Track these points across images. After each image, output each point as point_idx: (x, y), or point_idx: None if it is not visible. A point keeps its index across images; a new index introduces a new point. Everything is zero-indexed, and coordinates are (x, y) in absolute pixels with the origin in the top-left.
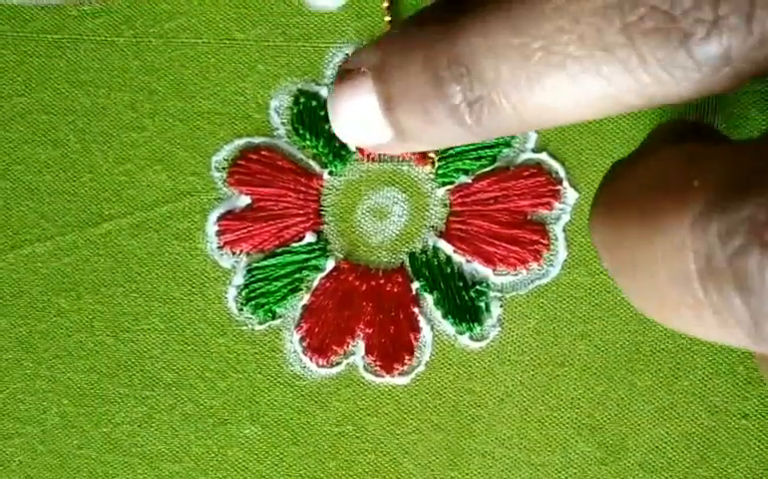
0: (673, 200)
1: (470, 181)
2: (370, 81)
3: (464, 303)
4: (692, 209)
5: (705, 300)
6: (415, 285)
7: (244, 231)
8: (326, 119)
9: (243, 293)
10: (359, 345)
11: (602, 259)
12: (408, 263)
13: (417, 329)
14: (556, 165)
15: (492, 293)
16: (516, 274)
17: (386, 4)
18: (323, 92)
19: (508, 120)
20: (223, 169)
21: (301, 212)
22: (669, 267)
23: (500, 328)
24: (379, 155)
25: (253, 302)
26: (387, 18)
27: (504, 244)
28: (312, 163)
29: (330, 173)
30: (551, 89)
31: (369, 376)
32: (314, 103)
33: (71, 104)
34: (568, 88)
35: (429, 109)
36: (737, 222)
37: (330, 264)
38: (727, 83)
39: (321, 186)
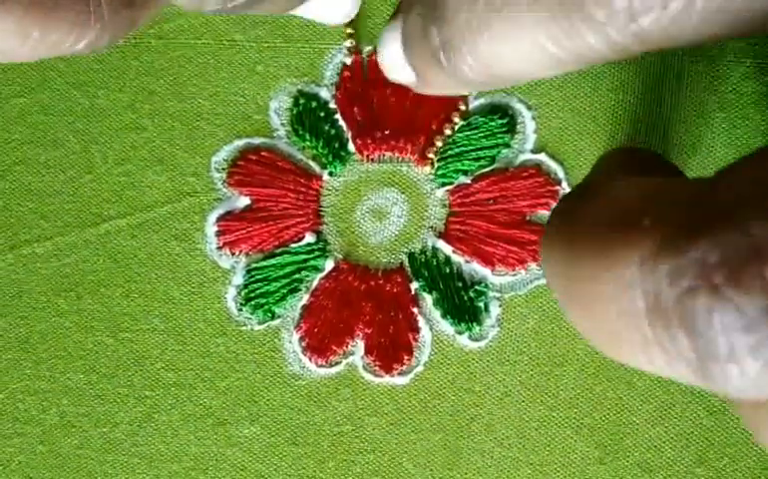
0: (624, 237)
1: (469, 181)
2: (398, 25)
3: (463, 303)
4: (642, 248)
5: (653, 339)
6: (414, 286)
7: (244, 231)
8: (326, 120)
9: (243, 294)
10: (358, 345)
11: (554, 292)
12: (407, 264)
13: (416, 329)
14: (554, 165)
15: (491, 294)
16: (515, 275)
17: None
18: (323, 93)
19: (469, 67)
20: (223, 169)
21: (301, 212)
22: (619, 305)
23: (499, 328)
24: (379, 155)
25: (253, 303)
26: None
27: (503, 245)
28: (312, 163)
29: (330, 173)
30: (496, 36)
31: (368, 376)
32: (314, 104)
33: (70, 105)
34: (510, 36)
35: (421, 49)
36: (686, 263)
37: (329, 265)
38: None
39: (321, 186)
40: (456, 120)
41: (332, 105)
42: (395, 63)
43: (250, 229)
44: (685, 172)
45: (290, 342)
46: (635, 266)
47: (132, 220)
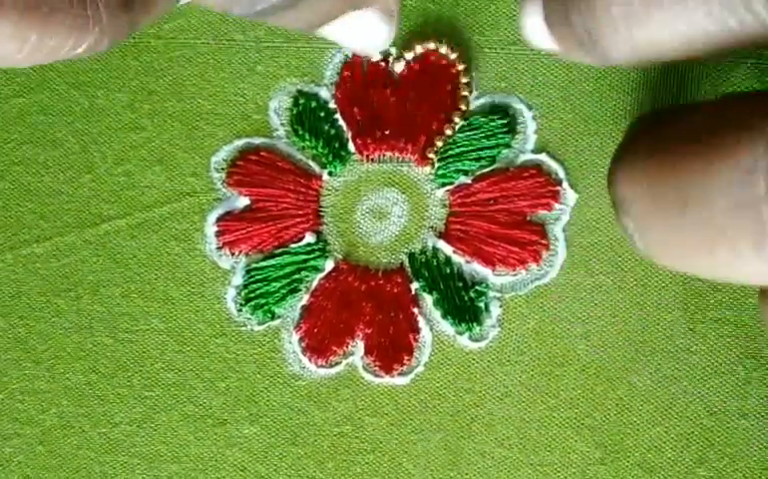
0: (746, 130)
1: (469, 181)
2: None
3: (463, 304)
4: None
5: None
6: (414, 286)
7: (243, 231)
8: (326, 119)
9: (243, 294)
10: (358, 346)
11: (627, 213)
12: (407, 264)
13: (416, 330)
14: (555, 165)
15: (491, 294)
16: (515, 275)
17: None
18: (323, 93)
19: (619, 51)
20: (223, 169)
21: (300, 212)
22: (732, 196)
23: (499, 329)
24: (379, 155)
25: (252, 303)
26: None
27: (503, 245)
28: (312, 163)
29: (329, 173)
30: (655, 25)
31: (368, 377)
32: (314, 104)
33: (69, 105)
34: (671, 23)
35: (564, 33)
36: None
37: (329, 265)
38: None
39: (320, 186)
40: (456, 120)
41: (332, 105)
42: (539, 35)
43: (250, 229)
44: None
45: (290, 343)
46: (761, 151)
47: (131, 220)
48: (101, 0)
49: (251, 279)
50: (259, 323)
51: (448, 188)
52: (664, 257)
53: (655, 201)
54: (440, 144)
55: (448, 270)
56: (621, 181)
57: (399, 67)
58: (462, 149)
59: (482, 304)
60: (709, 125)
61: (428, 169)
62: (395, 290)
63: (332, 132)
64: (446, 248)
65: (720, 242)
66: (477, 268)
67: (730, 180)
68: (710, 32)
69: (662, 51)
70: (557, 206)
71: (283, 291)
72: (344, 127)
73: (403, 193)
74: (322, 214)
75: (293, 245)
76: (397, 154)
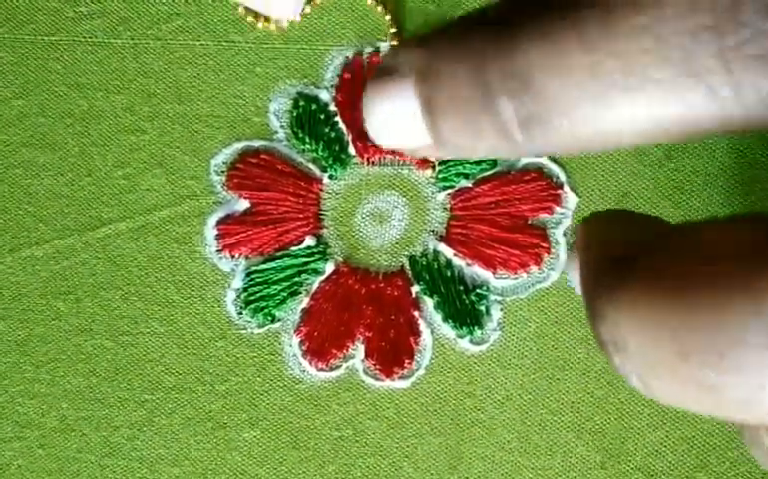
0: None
1: (470, 184)
2: (412, 83)
3: (464, 307)
4: None
5: None
6: (415, 289)
7: (244, 234)
8: (326, 122)
9: (243, 297)
10: (359, 349)
11: (623, 354)
12: (408, 267)
13: (417, 333)
14: (556, 169)
15: (492, 297)
16: (516, 278)
17: (388, 17)
18: (323, 95)
19: (560, 139)
20: (223, 172)
21: (301, 215)
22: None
23: (500, 332)
24: (379, 158)
25: (253, 306)
26: (392, 29)
27: (504, 248)
28: (312, 166)
29: (330, 176)
30: (619, 112)
31: (369, 380)
32: (314, 106)
33: (69, 107)
34: (639, 111)
35: (475, 121)
36: None
37: (330, 268)
38: None
39: (321, 189)
40: None
41: (332, 107)
42: (403, 127)
43: (250, 232)
44: (687, 176)
45: (291, 346)
46: None
47: (131, 223)
48: None
49: (252, 283)
50: (260, 327)
51: (449, 191)
52: (675, 403)
53: (682, 347)
54: None
55: (449, 274)
56: (617, 321)
57: None
58: None
59: (483, 308)
60: (719, 253)
61: (429, 172)
62: (395, 294)
63: (333, 134)
64: (447, 252)
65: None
66: (478, 272)
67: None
68: (666, 125)
69: (608, 141)
70: (558, 209)
71: (284, 295)
72: (345, 129)
73: (404, 196)
74: (323, 217)
75: (294, 249)
76: (398, 157)
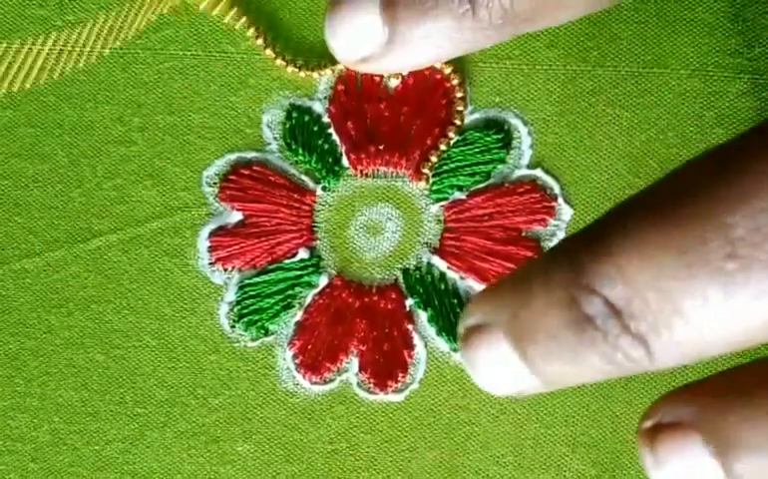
0: None
1: (464, 197)
2: (505, 339)
3: (458, 320)
4: None
5: None
6: (409, 302)
7: (236, 247)
8: (319, 134)
9: (236, 310)
10: (353, 362)
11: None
12: (402, 280)
13: (411, 346)
14: (550, 181)
15: None
16: None
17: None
18: (316, 106)
19: (672, 356)
20: (215, 184)
21: (294, 227)
22: None
23: None
24: (373, 170)
25: (246, 319)
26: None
27: (498, 261)
28: (305, 178)
29: (323, 188)
30: (732, 311)
31: (363, 394)
32: (307, 118)
33: (58, 117)
34: (754, 307)
35: (575, 356)
36: None
37: (323, 281)
38: None
39: (314, 201)
40: (451, 135)
41: (326, 119)
42: (506, 375)
43: (243, 244)
44: None
45: (284, 359)
46: None
47: (122, 235)
48: None
49: (245, 295)
50: (253, 340)
51: (442, 203)
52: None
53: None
54: (434, 159)
55: (443, 287)
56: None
57: (394, 81)
58: (457, 164)
59: None
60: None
61: (422, 184)
62: (389, 307)
63: (326, 146)
64: (441, 264)
65: None
66: (472, 285)
67: None
68: None
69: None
70: (552, 221)
71: (277, 308)
72: (338, 141)
73: (397, 208)
74: (316, 229)
75: (287, 261)
76: (391, 169)
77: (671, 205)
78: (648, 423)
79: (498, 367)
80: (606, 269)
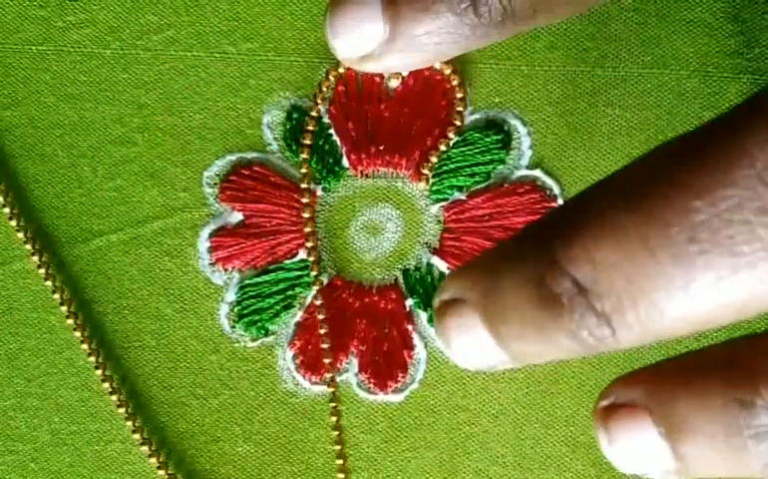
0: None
1: (464, 197)
2: (476, 314)
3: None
4: None
5: None
6: (409, 302)
7: (237, 247)
8: (319, 134)
9: (236, 310)
10: (353, 362)
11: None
12: (402, 280)
13: (411, 347)
14: (550, 182)
15: None
16: None
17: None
18: (319, 108)
19: (635, 335)
20: (215, 185)
21: (294, 228)
22: None
23: None
24: (373, 171)
25: (246, 319)
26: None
27: None
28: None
29: (323, 189)
30: (693, 293)
31: (363, 394)
32: (307, 118)
33: (58, 118)
34: (714, 290)
35: (544, 334)
36: None
37: (323, 281)
38: None
39: (314, 202)
40: (451, 135)
41: (326, 119)
42: (478, 350)
43: (243, 244)
44: None
45: (284, 359)
46: None
47: (123, 235)
48: None
49: (245, 296)
50: (253, 340)
51: (442, 204)
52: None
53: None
54: (434, 159)
55: None
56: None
57: (394, 82)
58: (456, 164)
59: None
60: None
61: (422, 184)
62: (389, 307)
63: (326, 147)
64: (440, 265)
65: None
66: None
67: None
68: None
69: (688, 327)
70: None
71: (277, 308)
72: (338, 142)
73: (397, 208)
74: (316, 229)
75: (287, 262)
76: (391, 169)
77: (638, 189)
78: (604, 403)
79: (469, 342)
80: (575, 251)
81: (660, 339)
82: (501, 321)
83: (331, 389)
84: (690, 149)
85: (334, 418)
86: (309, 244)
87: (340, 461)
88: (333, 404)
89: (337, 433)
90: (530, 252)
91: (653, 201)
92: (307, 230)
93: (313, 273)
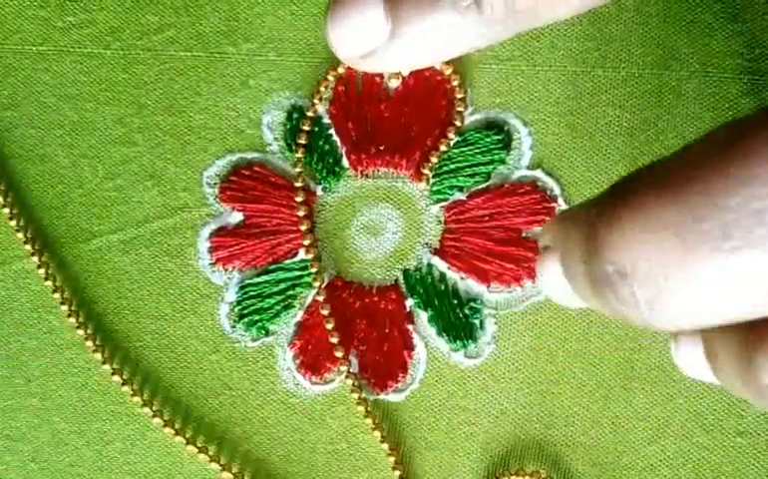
0: None
1: (464, 198)
2: (556, 257)
3: (458, 321)
4: None
5: None
6: (409, 303)
7: (237, 247)
8: (320, 135)
9: (236, 310)
10: (353, 363)
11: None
12: (402, 280)
13: (411, 347)
14: (550, 182)
15: (486, 311)
16: (510, 292)
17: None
18: (317, 107)
19: (671, 321)
20: (215, 185)
21: (294, 228)
22: None
23: (494, 346)
24: (373, 171)
25: (246, 319)
26: None
27: (498, 262)
28: (305, 179)
29: (324, 189)
30: (725, 287)
31: (363, 393)
32: (303, 119)
33: (58, 118)
34: (747, 285)
35: (595, 303)
36: None
37: (324, 279)
38: None
39: (314, 202)
40: (451, 136)
41: (326, 119)
42: (556, 283)
43: (243, 244)
44: None
45: (284, 359)
46: None
47: (123, 235)
48: None
49: (245, 296)
50: (253, 340)
51: (443, 204)
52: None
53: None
54: (435, 159)
55: (443, 287)
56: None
57: (394, 82)
58: (457, 165)
59: (477, 321)
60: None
61: (423, 184)
62: (389, 307)
63: (326, 147)
64: (441, 265)
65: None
66: (472, 285)
67: None
68: None
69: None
70: None
71: (277, 308)
72: (338, 142)
73: (398, 209)
74: (316, 230)
75: (287, 261)
76: (392, 169)
77: (678, 178)
78: None
79: (556, 283)
80: (614, 236)
81: (696, 327)
82: (572, 278)
83: (350, 381)
84: (730, 140)
85: (360, 407)
86: (307, 242)
87: (386, 447)
88: (355, 395)
89: (371, 422)
90: (580, 229)
91: (690, 193)
92: (303, 228)
93: (313, 270)
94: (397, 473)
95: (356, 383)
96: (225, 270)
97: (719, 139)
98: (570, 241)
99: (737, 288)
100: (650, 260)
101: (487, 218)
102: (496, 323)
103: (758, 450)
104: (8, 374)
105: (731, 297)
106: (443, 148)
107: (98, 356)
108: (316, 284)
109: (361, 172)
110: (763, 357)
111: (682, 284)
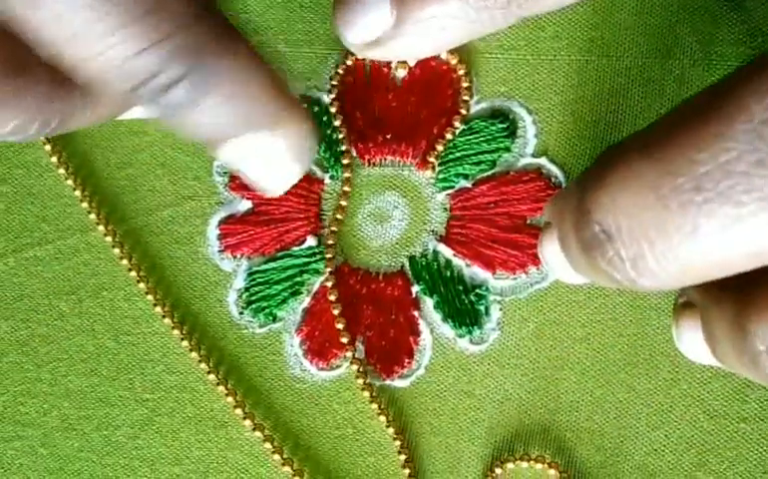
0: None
1: (470, 185)
2: (554, 232)
3: (464, 307)
4: None
5: None
6: (415, 289)
7: (245, 234)
8: (327, 124)
9: (244, 297)
10: (359, 348)
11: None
12: (408, 267)
13: (417, 333)
14: (555, 169)
15: (491, 297)
16: (515, 278)
17: None
18: (325, 98)
19: (657, 279)
20: (225, 173)
21: (302, 216)
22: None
23: (499, 332)
24: (380, 159)
25: (254, 306)
26: None
27: (503, 249)
28: (313, 167)
29: (331, 177)
30: (702, 240)
31: (369, 379)
32: (316, 109)
33: None
34: (721, 237)
35: (590, 271)
36: None
37: (337, 263)
38: None
39: (322, 190)
40: (457, 124)
41: (334, 109)
42: (558, 263)
43: (252, 232)
44: None
45: (291, 346)
46: None
47: (133, 223)
48: None
49: (253, 282)
50: (261, 326)
51: (448, 191)
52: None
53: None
54: (441, 148)
55: (448, 274)
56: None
57: (401, 72)
58: (462, 153)
59: (482, 308)
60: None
61: (429, 173)
62: (396, 293)
63: (334, 136)
64: (446, 252)
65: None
66: (477, 272)
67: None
68: None
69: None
70: None
71: (285, 294)
72: (346, 131)
73: (404, 196)
74: (323, 217)
75: (295, 249)
76: (398, 158)
77: (656, 141)
78: None
79: (555, 257)
80: (601, 199)
81: (683, 284)
82: (566, 250)
83: (355, 366)
84: (702, 103)
85: (366, 393)
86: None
87: (392, 432)
88: (361, 381)
89: (377, 407)
90: (572, 199)
91: (667, 153)
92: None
93: (328, 256)
94: (402, 457)
95: (362, 369)
96: (234, 258)
97: (697, 102)
98: (563, 213)
99: (712, 242)
100: (632, 218)
101: (492, 205)
102: (501, 310)
103: (762, 435)
104: (18, 360)
105: (707, 251)
106: (449, 136)
107: (109, 343)
108: (328, 270)
109: (368, 160)
110: (756, 324)
111: (661, 240)
